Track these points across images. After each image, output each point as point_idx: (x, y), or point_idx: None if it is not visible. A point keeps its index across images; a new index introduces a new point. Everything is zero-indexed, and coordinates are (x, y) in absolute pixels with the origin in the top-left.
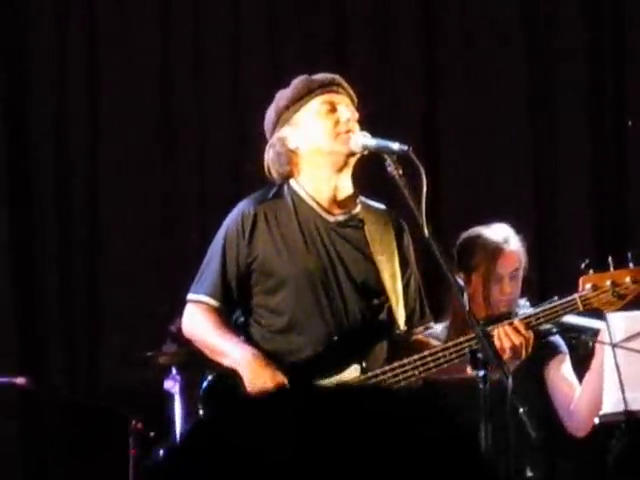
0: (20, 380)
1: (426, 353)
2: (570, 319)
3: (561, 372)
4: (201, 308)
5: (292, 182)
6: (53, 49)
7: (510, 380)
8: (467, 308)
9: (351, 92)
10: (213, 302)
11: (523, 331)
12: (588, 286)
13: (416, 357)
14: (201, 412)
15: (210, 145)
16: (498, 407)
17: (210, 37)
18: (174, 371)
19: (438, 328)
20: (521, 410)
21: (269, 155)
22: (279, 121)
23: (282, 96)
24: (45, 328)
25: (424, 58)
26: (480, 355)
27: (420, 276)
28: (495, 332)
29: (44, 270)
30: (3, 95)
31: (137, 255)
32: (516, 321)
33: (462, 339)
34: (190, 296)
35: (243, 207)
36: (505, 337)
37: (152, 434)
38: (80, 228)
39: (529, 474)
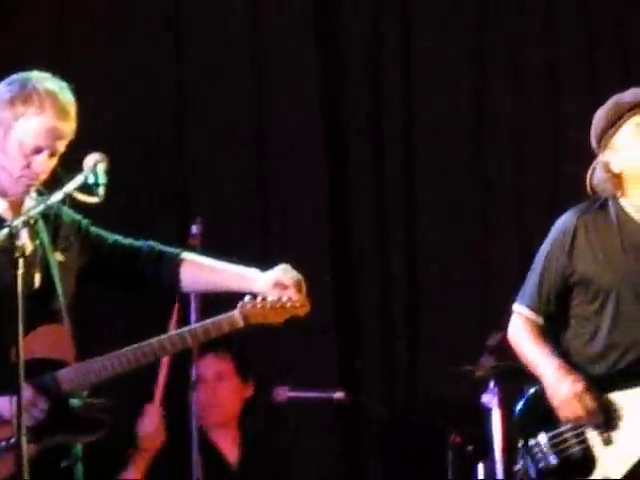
0: (338, 394)
1: None
2: None
3: None
4: (522, 319)
5: (620, 198)
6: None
7: None
8: None
9: None
10: (532, 315)
11: None
12: None
13: None
14: (520, 444)
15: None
16: None
17: None
18: (492, 385)
19: None
20: None
21: (593, 176)
22: (600, 145)
23: (598, 120)
24: (363, 343)
25: None
26: None
27: None
28: None
29: (362, 286)
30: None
31: (452, 270)
32: None
33: None
34: (515, 306)
35: (566, 219)
36: None
37: (470, 448)
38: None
39: None
